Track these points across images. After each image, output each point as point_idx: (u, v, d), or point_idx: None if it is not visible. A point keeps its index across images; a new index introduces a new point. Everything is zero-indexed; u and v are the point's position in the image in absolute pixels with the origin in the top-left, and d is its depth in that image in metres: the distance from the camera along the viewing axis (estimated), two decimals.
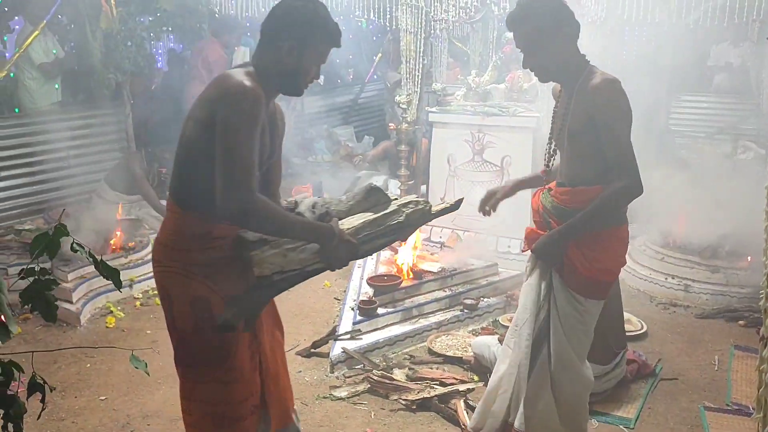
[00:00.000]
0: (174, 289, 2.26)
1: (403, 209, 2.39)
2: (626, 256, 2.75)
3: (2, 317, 1.51)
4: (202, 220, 2.21)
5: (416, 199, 2.49)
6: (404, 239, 2.57)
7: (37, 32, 6.34)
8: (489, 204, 3.03)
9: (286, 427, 2.53)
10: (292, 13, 2.22)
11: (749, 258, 4.88)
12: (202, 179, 2.13)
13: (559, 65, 2.57)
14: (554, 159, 2.78)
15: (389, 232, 2.36)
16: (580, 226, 2.55)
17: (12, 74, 6.39)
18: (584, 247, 2.57)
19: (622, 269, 2.83)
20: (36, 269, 1.65)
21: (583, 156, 2.57)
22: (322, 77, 2.60)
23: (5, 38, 6.65)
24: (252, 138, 2.07)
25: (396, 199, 2.48)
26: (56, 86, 6.69)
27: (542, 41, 2.52)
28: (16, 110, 6.54)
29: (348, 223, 2.30)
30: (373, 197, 2.41)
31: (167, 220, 2.31)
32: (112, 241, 5.27)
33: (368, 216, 2.34)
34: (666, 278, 5.03)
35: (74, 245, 1.70)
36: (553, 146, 2.75)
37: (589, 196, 2.54)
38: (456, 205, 2.56)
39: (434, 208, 2.50)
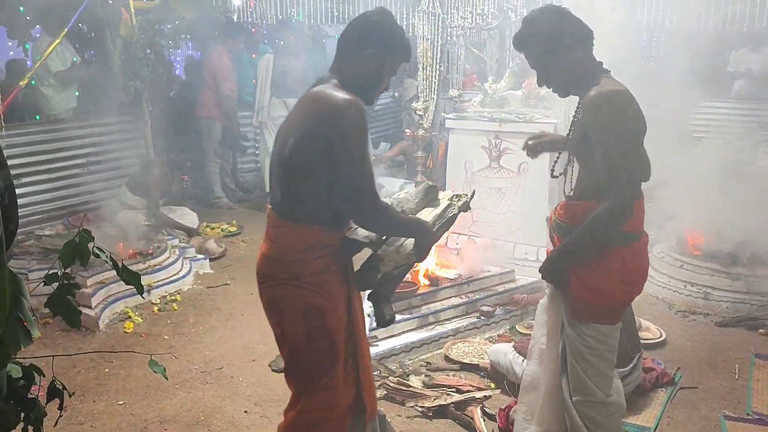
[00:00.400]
0: (286, 301, 2.36)
1: (454, 202, 2.62)
2: (635, 278, 2.53)
3: (24, 321, 1.52)
4: (312, 230, 2.31)
5: (457, 193, 2.70)
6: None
7: (57, 41, 6.41)
8: (534, 146, 3.03)
9: (375, 415, 2.60)
10: (374, 27, 2.37)
11: None
12: (313, 192, 2.28)
13: (572, 78, 2.49)
14: (572, 170, 2.70)
15: (446, 223, 2.57)
16: (573, 247, 2.45)
17: (33, 82, 6.47)
18: (578, 267, 2.46)
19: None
20: (59, 274, 1.67)
21: (584, 170, 2.51)
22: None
23: (27, 46, 6.74)
24: (367, 146, 2.26)
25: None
26: (76, 93, 6.78)
27: (550, 58, 2.46)
28: (37, 117, 6.63)
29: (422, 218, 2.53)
30: (431, 194, 2.66)
31: (276, 236, 2.40)
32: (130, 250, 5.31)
33: (435, 210, 2.57)
34: (685, 286, 4.98)
35: (95, 250, 1.72)
36: (565, 156, 2.72)
37: (577, 210, 2.47)
38: (472, 195, 2.76)
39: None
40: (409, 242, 2.41)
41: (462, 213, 2.65)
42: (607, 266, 2.43)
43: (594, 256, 2.42)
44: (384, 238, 2.45)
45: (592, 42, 2.50)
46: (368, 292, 2.54)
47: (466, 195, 2.69)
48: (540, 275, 2.63)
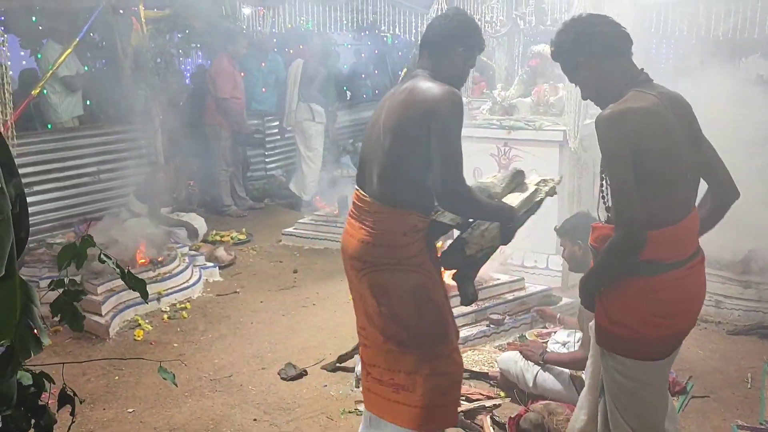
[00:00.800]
0: (392, 284, 2.57)
1: (541, 187, 2.69)
2: (670, 310, 2.24)
3: (35, 329, 1.53)
4: (410, 215, 2.53)
5: (544, 178, 2.76)
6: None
7: (69, 50, 6.48)
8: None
9: None
10: (461, 24, 2.63)
11: None
12: (414, 178, 2.50)
13: (599, 90, 2.32)
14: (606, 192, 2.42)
15: (532, 208, 2.66)
16: (594, 274, 2.32)
17: (45, 91, 6.53)
18: (602, 294, 2.31)
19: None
20: (65, 281, 1.68)
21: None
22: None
23: (39, 56, 6.81)
24: (460, 134, 2.44)
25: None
26: (85, 102, 6.84)
27: (583, 71, 2.33)
28: (49, 126, 6.69)
29: (508, 203, 2.62)
30: (518, 178, 2.74)
31: (376, 221, 2.57)
32: (140, 258, 5.33)
33: (522, 195, 2.65)
34: None
35: (101, 256, 1.73)
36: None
37: (601, 234, 2.31)
38: (559, 180, 2.85)
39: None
40: (494, 226, 2.55)
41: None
42: (630, 297, 2.22)
43: (617, 287, 2.24)
44: (470, 221, 2.60)
45: (624, 52, 2.30)
46: (453, 272, 2.70)
47: (553, 180, 2.76)
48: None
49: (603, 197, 2.31)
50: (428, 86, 2.48)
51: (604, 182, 2.28)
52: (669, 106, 2.19)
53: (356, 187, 2.72)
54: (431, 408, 2.62)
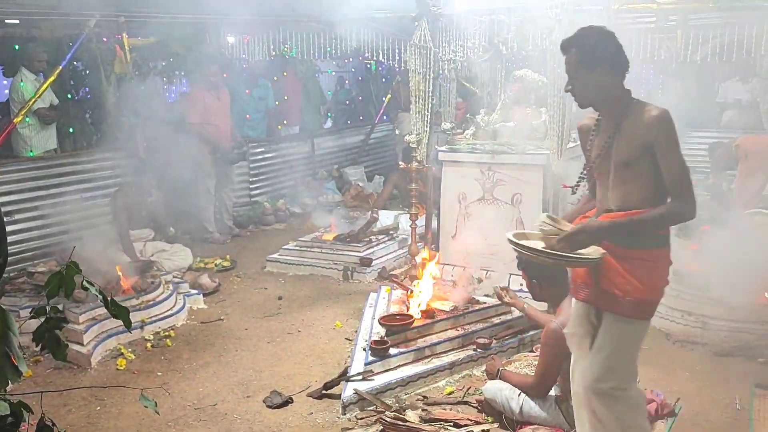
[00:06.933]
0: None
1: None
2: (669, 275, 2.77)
3: (13, 358, 1.50)
4: None
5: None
6: None
7: (52, 78, 6.47)
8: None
9: None
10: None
11: (767, 294, 4.80)
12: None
13: (600, 96, 2.70)
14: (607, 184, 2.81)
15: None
16: (622, 228, 2.64)
17: (27, 119, 6.49)
18: (640, 269, 2.65)
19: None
20: (48, 308, 1.65)
21: (635, 182, 2.67)
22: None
23: (22, 84, 6.77)
24: None
25: None
26: (68, 129, 6.79)
27: (583, 71, 2.66)
28: (31, 153, 6.63)
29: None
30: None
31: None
32: (122, 283, 5.26)
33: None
34: (683, 315, 4.95)
35: (84, 283, 1.70)
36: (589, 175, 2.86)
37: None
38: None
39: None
40: None
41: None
42: (663, 266, 2.70)
43: (653, 259, 2.67)
44: None
45: (625, 71, 2.70)
46: None
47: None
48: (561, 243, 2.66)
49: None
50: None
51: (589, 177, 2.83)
52: None
53: None
54: None
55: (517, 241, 2.73)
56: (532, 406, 3.48)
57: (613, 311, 2.70)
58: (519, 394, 3.52)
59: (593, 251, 2.66)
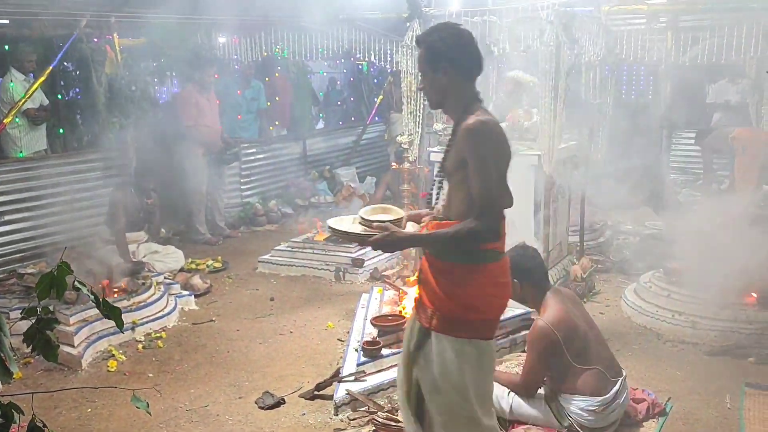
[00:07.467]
0: None
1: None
2: (504, 291, 2.64)
3: (3, 358, 1.49)
4: None
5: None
6: None
7: (42, 78, 6.43)
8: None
9: None
10: None
11: (755, 294, 4.83)
12: None
13: (444, 98, 2.60)
14: (441, 192, 2.79)
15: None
16: (427, 241, 2.61)
17: (17, 119, 6.46)
18: (453, 286, 2.53)
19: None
20: (38, 309, 1.64)
21: (457, 193, 2.56)
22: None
23: (12, 85, 6.73)
24: None
25: None
26: (58, 130, 6.76)
27: (429, 68, 2.57)
28: (21, 154, 6.60)
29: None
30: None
31: None
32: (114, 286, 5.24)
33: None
34: (673, 315, 4.97)
35: (76, 283, 1.70)
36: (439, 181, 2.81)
37: (438, 227, 2.60)
38: None
39: None
40: None
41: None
42: (481, 283, 2.54)
43: (469, 276, 2.52)
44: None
45: (476, 74, 2.60)
46: None
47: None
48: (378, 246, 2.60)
49: (437, 194, 2.76)
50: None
51: (441, 182, 2.73)
52: None
53: None
54: None
55: (332, 226, 2.73)
56: (522, 405, 3.48)
57: (423, 324, 2.59)
58: (509, 393, 3.52)
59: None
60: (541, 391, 3.48)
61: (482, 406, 2.57)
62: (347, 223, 2.70)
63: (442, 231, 2.52)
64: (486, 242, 2.49)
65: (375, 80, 12.44)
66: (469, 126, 2.45)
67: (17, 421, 1.61)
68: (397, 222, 2.65)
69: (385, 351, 4.23)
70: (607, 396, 3.30)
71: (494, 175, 2.44)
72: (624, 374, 3.46)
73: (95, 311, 4.55)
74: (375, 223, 2.60)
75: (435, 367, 2.55)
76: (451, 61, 2.52)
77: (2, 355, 1.46)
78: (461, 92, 2.57)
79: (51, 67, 6.53)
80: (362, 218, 2.67)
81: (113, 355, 4.64)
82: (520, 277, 3.40)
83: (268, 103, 9.62)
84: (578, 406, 3.30)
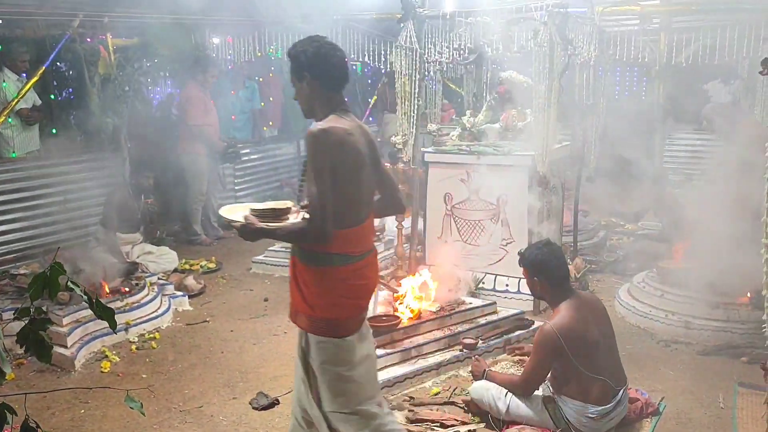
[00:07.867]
0: None
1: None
2: (358, 293, 2.75)
3: None
4: None
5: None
6: None
7: (36, 78, 6.41)
8: None
9: None
10: None
11: (749, 293, 4.85)
12: None
13: (311, 106, 2.73)
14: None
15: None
16: (274, 235, 2.67)
17: (10, 119, 6.43)
18: (304, 287, 2.68)
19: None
20: (31, 310, 1.64)
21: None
22: None
23: (5, 85, 6.71)
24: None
25: None
26: (51, 130, 6.73)
27: (295, 78, 2.72)
28: (13, 154, 6.57)
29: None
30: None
31: None
32: (107, 285, 5.23)
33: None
34: (666, 315, 4.99)
35: (69, 284, 1.69)
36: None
37: None
38: None
39: None
40: None
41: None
42: (327, 285, 2.66)
43: (316, 278, 2.66)
44: None
45: (339, 85, 2.71)
46: None
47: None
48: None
49: (300, 193, 2.84)
50: None
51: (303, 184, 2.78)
52: (360, 132, 2.69)
53: None
54: None
55: (221, 214, 2.79)
56: (519, 406, 3.49)
57: (292, 321, 2.77)
58: (506, 394, 3.53)
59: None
60: (538, 392, 3.48)
61: (341, 405, 2.69)
62: (239, 211, 2.74)
63: (286, 227, 2.64)
64: (317, 244, 2.60)
65: (369, 81, 12.44)
66: (310, 132, 2.57)
67: (10, 422, 1.60)
68: (281, 212, 2.72)
69: (379, 351, 4.22)
70: (608, 406, 3.31)
71: (326, 183, 2.53)
72: (627, 384, 3.47)
73: (88, 312, 4.54)
74: (254, 213, 2.68)
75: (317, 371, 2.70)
76: (312, 72, 2.66)
77: None
78: (325, 101, 2.69)
79: (44, 67, 6.51)
80: (251, 208, 2.74)
81: (107, 356, 4.62)
82: (536, 272, 3.45)
83: (262, 104, 9.61)
84: (577, 411, 3.30)
